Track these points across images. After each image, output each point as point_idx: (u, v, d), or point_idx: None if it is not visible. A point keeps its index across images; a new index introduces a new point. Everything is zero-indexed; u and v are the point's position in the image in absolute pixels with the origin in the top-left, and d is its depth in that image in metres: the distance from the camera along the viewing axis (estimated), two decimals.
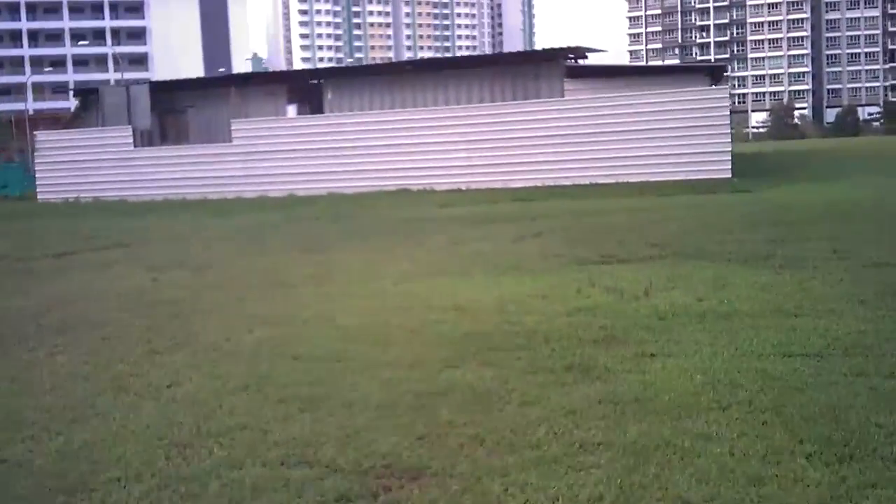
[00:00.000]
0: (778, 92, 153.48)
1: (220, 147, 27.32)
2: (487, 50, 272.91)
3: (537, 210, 20.03)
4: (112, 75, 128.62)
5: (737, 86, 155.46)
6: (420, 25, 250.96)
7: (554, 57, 25.33)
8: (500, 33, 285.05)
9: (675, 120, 23.72)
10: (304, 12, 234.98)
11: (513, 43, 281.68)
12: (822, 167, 30.32)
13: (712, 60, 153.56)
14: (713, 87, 24.14)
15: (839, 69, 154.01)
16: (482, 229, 16.59)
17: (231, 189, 26.78)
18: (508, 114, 25.05)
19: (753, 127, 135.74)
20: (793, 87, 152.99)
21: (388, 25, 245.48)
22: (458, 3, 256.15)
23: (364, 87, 26.81)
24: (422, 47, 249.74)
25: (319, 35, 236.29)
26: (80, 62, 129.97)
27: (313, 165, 26.22)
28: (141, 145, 28.05)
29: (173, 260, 13.94)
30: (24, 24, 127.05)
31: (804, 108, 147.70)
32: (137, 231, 19.68)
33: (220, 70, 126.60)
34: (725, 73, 58.11)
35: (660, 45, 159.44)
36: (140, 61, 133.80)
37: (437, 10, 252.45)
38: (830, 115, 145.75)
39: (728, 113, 23.59)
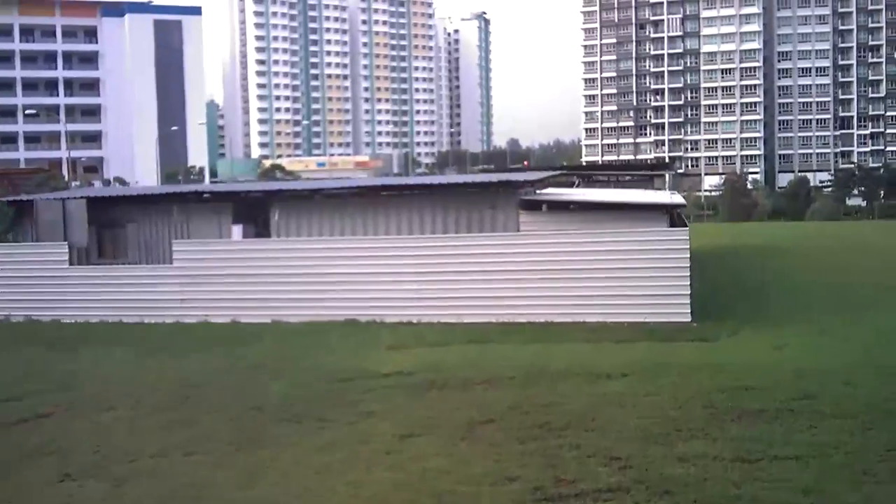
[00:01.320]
0: (731, 156, 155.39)
1: (160, 269, 26.14)
2: (444, 104, 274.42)
3: (490, 366, 19.01)
4: (64, 126, 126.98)
5: (690, 149, 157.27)
6: (378, 78, 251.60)
7: (511, 188, 24.55)
8: (458, 87, 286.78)
9: (634, 260, 23.00)
10: (261, 62, 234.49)
11: (470, 103, 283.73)
12: (789, 287, 29.70)
13: (666, 123, 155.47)
14: (672, 228, 23.43)
15: (791, 135, 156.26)
16: (429, 405, 15.49)
17: (170, 314, 25.56)
18: (461, 246, 24.19)
19: (706, 190, 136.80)
20: (745, 152, 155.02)
21: (345, 77, 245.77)
22: (415, 57, 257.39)
23: (313, 210, 25.83)
24: (379, 99, 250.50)
25: (277, 85, 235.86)
26: (32, 139, 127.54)
27: (258, 292, 25.12)
28: (77, 263, 26.75)
29: (90, 460, 12.66)
30: None
31: (756, 173, 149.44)
32: (58, 383, 18.40)
33: (174, 128, 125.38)
34: (676, 169, 57.78)
35: (615, 108, 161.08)
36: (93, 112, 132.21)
37: (394, 63, 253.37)
38: (783, 179, 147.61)
39: (688, 255, 22.87)
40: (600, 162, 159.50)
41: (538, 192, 27.17)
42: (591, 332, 22.26)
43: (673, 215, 24.79)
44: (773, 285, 30.47)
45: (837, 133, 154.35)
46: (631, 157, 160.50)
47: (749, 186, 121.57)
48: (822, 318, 23.64)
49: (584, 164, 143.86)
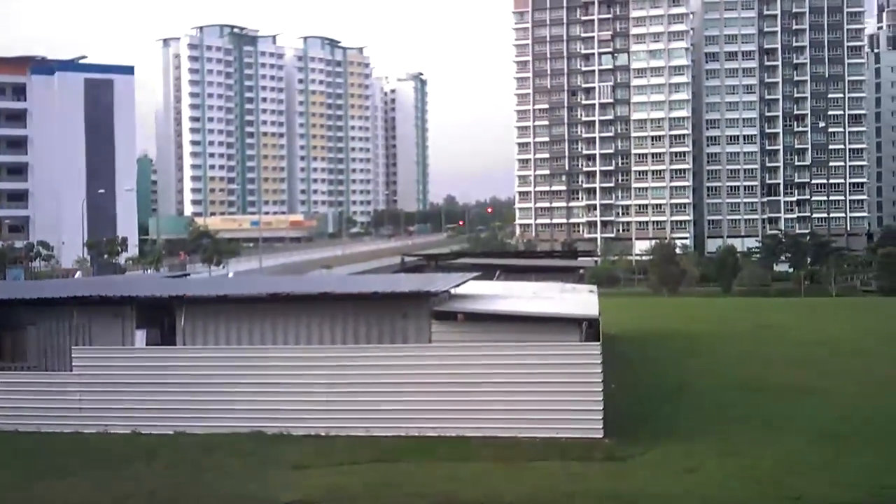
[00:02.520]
0: (661, 221, 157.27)
1: (58, 376, 25.07)
2: (381, 163, 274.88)
3: (395, 497, 18.40)
4: None
5: (621, 214, 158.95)
6: (314, 136, 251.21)
7: (422, 298, 24.06)
8: (395, 146, 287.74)
9: (546, 374, 22.60)
10: (195, 119, 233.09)
11: (407, 162, 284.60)
12: (706, 389, 29.44)
13: (597, 188, 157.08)
14: (584, 343, 23.06)
15: (719, 201, 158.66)
16: None
17: (69, 423, 24.51)
18: (371, 357, 23.60)
19: (637, 254, 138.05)
20: (675, 217, 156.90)
21: (281, 135, 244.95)
22: (352, 116, 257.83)
23: (221, 316, 25.05)
24: (315, 157, 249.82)
25: (211, 142, 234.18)
26: None
27: (160, 401, 24.21)
28: None
29: None
30: None
31: (686, 238, 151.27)
32: None
33: (101, 191, 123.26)
34: (593, 260, 57.68)
35: (548, 172, 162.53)
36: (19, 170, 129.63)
37: (331, 122, 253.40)
38: (712, 244, 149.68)
39: (600, 370, 22.51)
40: (530, 234, 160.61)
41: (453, 292, 26.69)
42: (503, 450, 21.76)
43: (589, 324, 24.47)
44: (689, 386, 30.26)
45: (765, 200, 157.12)
46: (564, 220, 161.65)
47: (678, 251, 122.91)
48: (734, 433, 23.42)
49: (509, 246, 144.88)
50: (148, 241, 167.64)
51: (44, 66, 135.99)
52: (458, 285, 26.65)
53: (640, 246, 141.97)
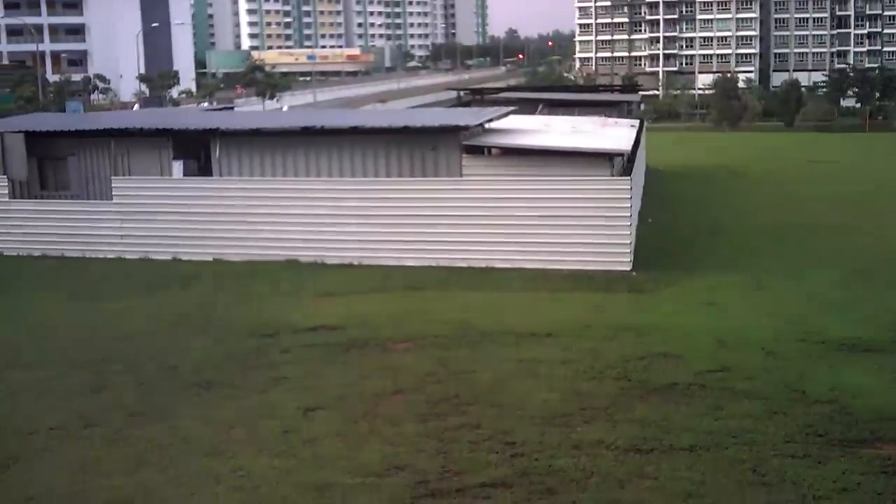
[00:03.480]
0: (725, 55, 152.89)
1: (99, 205, 25.69)
2: (440, 38, 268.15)
3: (418, 322, 18.78)
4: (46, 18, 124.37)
5: (684, 47, 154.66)
6: (371, 13, 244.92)
7: (453, 132, 23.95)
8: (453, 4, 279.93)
9: (575, 209, 22.59)
10: None
11: (466, 28, 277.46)
12: (743, 230, 29.24)
13: (661, 20, 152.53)
14: (614, 176, 22.91)
15: (787, 33, 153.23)
16: (344, 371, 15.29)
17: (111, 249, 25.30)
18: (403, 190, 23.75)
19: (699, 89, 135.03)
20: (740, 50, 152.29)
21: (339, 13, 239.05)
22: None
23: (255, 149, 25.23)
24: (373, 35, 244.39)
25: (268, 24, 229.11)
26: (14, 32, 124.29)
27: (199, 230, 24.79)
28: (17, 196, 26.30)
29: None
30: None
31: (750, 72, 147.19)
32: None
33: (154, 25, 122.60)
34: (640, 97, 56.15)
35: (609, 3, 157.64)
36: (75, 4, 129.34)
37: None
38: (777, 78, 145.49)
39: (629, 205, 22.44)
40: (590, 68, 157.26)
41: (488, 126, 26.47)
42: (528, 280, 22.04)
43: (622, 158, 24.25)
44: (726, 225, 30.09)
45: (834, 32, 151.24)
46: (625, 53, 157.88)
47: (741, 86, 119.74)
48: (764, 269, 23.36)
49: (567, 81, 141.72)
50: (206, 74, 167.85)
51: None
52: (490, 120, 26.36)
53: (703, 80, 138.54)
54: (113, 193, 25.46)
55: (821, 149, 60.39)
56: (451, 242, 23.39)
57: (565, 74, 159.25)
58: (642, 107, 77.47)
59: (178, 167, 25.65)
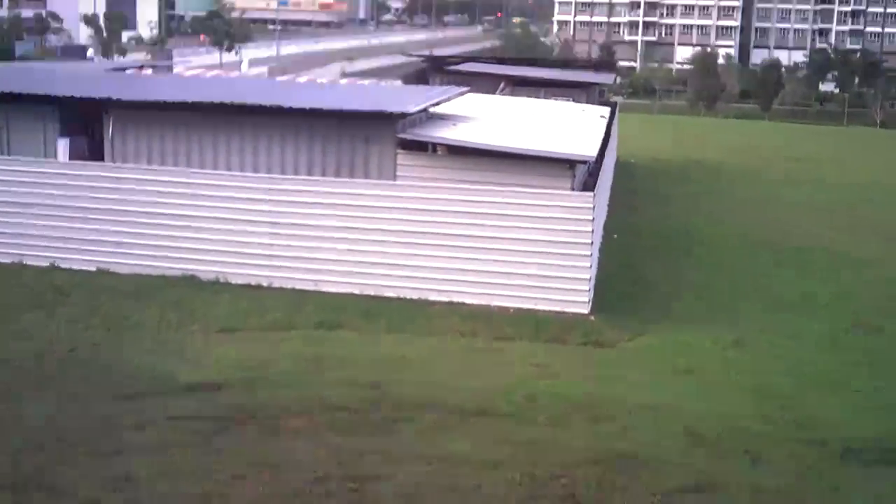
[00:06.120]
0: (706, 26, 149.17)
1: None
2: None
3: (322, 382, 15.17)
4: None
5: (665, 15, 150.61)
6: None
7: (387, 120, 19.95)
8: None
9: (526, 230, 18.81)
10: None
11: None
12: (716, 252, 25.79)
13: None
14: (573, 192, 19.15)
15: (770, 6, 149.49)
16: (205, 470, 11.77)
17: None
18: (322, 193, 19.81)
19: (678, 63, 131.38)
20: (721, 22, 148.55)
21: None
22: None
23: (155, 127, 21.14)
24: None
25: None
26: None
27: (82, 230, 20.79)
28: None
29: None
30: None
31: (730, 46, 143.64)
32: None
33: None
34: (616, 79, 51.78)
35: None
36: None
37: None
38: (757, 55, 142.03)
39: (591, 229, 18.71)
40: (567, 33, 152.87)
41: (433, 110, 22.52)
42: (467, 320, 18.38)
43: (587, 165, 20.57)
44: (699, 239, 26.64)
45: (817, 8, 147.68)
46: (605, 18, 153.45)
47: (721, 61, 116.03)
48: (745, 314, 19.91)
49: (542, 46, 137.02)
50: (174, 17, 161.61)
51: None
52: (437, 103, 22.35)
53: (682, 53, 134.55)
54: None
55: (799, 143, 57.15)
56: (378, 265, 19.59)
57: (542, 39, 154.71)
58: (618, 80, 73.98)
59: (63, 146, 21.53)
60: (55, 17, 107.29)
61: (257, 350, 16.59)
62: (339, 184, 19.96)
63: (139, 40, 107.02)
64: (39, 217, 21.00)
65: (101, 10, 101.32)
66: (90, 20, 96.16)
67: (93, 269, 20.70)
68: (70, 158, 21.75)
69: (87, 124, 22.39)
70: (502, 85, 34.81)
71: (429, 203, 19.42)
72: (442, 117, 23.07)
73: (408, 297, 19.36)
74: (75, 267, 20.73)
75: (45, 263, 20.95)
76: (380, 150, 20.25)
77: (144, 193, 20.59)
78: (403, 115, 20.35)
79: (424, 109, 21.81)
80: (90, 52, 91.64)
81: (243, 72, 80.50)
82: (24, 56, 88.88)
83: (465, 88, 26.02)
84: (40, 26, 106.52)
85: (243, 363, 15.81)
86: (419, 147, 20.47)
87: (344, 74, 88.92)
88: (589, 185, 20.44)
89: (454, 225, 19.27)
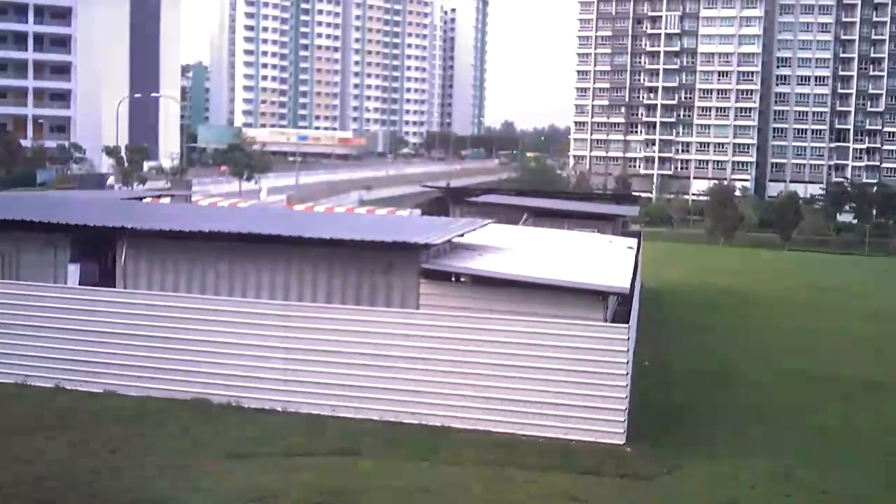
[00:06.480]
0: (721, 161, 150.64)
1: None
2: (437, 84, 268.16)
3: None
4: (31, 82, 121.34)
5: (680, 151, 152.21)
6: (369, 52, 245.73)
7: (411, 251, 19.34)
8: (451, 67, 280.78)
9: (558, 360, 17.83)
10: (249, 27, 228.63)
11: (463, 84, 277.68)
12: (756, 382, 24.68)
13: (657, 122, 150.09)
14: (608, 323, 18.26)
15: (785, 143, 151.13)
16: None
17: None
18: (343, 321, 18.98)
19: (694, 194, 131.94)
20: (737, 158, 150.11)
21: (336, 49, 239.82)
22: (409, 34, 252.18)
23: (169, 255, 20.59)
24: (370, 74, 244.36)
25: (265, 53, 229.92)
26: None
27: (89, 353, 19.93)
28: None
29: None
30: None
31: (746, 180, 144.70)
32: None
33: (137, 95, 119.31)
34: (638, 212, 52.12)
35: (606, 103, 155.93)
36: (63, 69, 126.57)
37: (387, 39, 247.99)
38: (773, 188, 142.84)
39: (627, 360, 17.73)
40: (583, 167, 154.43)
41: (456, 241, 21.92)
42: (493, 450, 17.18)
43: (619, 297, 19.71)
44: (736, 371, 25.49)
45: (833, 145, 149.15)
46: (620, 153, 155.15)
47: (738, 193, 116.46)
48: (787, 445, 18.66)
49: (559, 179, 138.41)
50: (196, 149, 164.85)
51: None
52: (461, 235, 21.81)
53: (698, 186, 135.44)
54: None
55: (823, 272, 56.35)
56: (399, 391, 18.55)
57: (558, 172, 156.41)
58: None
59: (73, 271, 20.94)
60: (77, 147, 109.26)
61: (270, 477, 15.45)
62: (361, 311, 19.15)
63: (160, 170, 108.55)
64: (46, 339, 20.16)
65: (123, 142, 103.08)
66: (111, 151, 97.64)
67: (100, 390, 19.75)
68: (80, 284, 21.12)
69: (99, 251, 21.86)
70: (525, 216, 34.36)
71: (451, 331, 18.50)
72: (466, 247, 22.50)
73: (430, 423, 18.26)
74: (82, 388, 19.77)
75: (49, 384, 20.00)
76: (403, 281, 19.57)
77: (158, 318, 19.77)
78: (427, 247, 19.73)
79: (448, 241, 21.23)
80: (110, 181, 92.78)
81: (262, 199, 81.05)
82: (43, 183, 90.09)
83: (488, 221, 25.55)
84: (63, 156, 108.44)
85: (254, 491, 14.67)
86: (443, 277, 19.76)
87: (362, 202, 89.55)
88: (621, 315, 19.58)
89: (479, 353, 18.30)
